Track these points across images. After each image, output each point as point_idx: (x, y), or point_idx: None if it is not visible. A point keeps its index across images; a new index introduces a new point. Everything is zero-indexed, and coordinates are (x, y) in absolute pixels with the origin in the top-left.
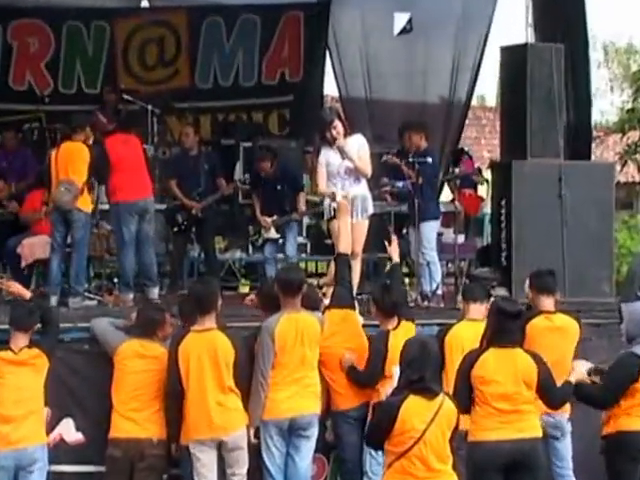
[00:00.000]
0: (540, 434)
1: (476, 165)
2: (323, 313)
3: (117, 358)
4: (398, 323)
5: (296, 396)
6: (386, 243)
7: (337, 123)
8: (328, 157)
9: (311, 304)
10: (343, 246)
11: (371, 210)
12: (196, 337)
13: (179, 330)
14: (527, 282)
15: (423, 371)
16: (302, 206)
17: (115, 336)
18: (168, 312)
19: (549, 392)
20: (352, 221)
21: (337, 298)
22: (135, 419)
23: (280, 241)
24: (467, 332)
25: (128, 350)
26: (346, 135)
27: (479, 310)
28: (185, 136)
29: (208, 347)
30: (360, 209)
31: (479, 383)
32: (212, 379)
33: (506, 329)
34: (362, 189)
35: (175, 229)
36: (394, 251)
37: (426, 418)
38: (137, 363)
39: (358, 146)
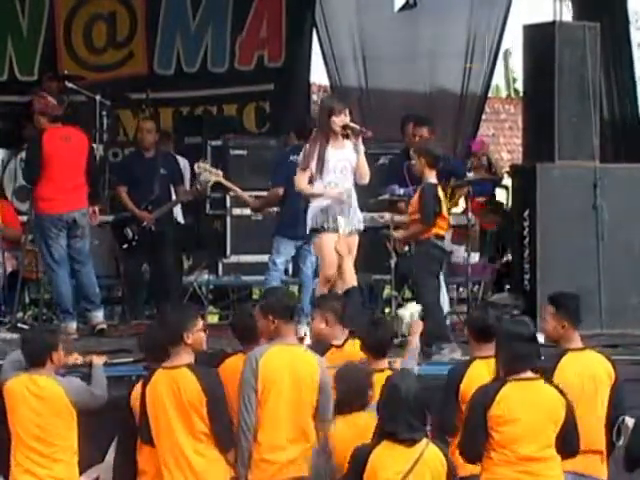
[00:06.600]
0: None
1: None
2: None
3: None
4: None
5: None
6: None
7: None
8: (325, 151)
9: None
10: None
11: (361, 226)
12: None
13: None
14: (549, 308)
15: (394, 418)
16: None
17: (6, 371)
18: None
19: (573, 433)
20: (342, 233)
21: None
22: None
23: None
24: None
25: (14, 387)
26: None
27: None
28: (145, 132)
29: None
30: (345, 222)
31: (497, 424)
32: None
33: (522, 354)
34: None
35: (125, 246)
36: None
37: (402, 468)
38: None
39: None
